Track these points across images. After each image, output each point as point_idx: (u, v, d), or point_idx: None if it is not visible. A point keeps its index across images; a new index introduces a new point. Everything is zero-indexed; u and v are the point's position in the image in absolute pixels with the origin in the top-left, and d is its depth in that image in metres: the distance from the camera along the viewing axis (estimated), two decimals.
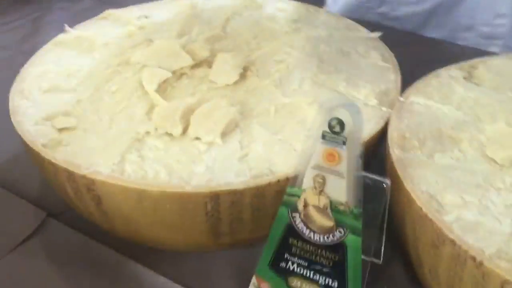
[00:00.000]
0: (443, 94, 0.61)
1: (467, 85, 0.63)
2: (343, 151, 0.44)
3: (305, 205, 0.47)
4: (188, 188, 0.49)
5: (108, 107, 0.59)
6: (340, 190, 0.45)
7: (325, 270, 0.47)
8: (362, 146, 0.45)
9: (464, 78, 0.65)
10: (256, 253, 0.51)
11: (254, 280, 0.50)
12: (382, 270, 0.54)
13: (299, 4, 0.81)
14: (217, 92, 0.61)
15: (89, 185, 0.51)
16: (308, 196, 0.47)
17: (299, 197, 0.47)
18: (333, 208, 0.46)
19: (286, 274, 0.49)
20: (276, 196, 0.51)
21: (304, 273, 0.48)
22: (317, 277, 0.48)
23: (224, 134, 0.55)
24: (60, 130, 0.56)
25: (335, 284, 0.47)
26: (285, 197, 0.48)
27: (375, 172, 0.47)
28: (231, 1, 0.82)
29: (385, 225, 0.50)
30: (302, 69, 0.64)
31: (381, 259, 0.52)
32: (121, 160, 0.52)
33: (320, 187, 0.46)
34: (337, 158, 0.45)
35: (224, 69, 0.63)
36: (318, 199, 0.46)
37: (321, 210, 0.46)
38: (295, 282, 0.49)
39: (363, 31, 0.74)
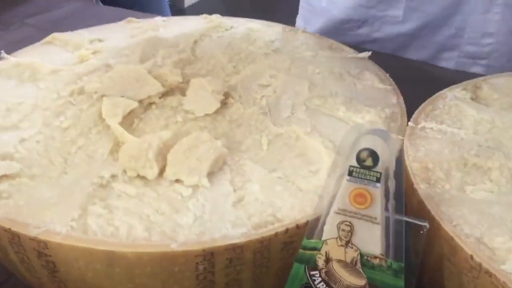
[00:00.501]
0: (454, 117, 0.54)
1: (476, 107, 0.56)
2: (377, 190, 0.35)
3: (327, 261, 0.37)
4: (174, 246, 0.38)
5: (61, 146, 0.48)
6: (374, 239, 0.36)
7: None
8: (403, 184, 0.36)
9: (472, 99, 0.58)
10: None
11: None
12: None
13: (272, 23, 0.73)
14: (196, 123, 0.51)
15: (41, 249, 0.39)
16: (331, 248, 0.37)
17: (318, 250, 0.37)
18: (365, 263, 0.36)
19: None
20: (283, 249, 0.40)
21: None
22: None
23: (211, 174, 0.45)
24: None
25: None
26: (300, 251, 0.37)
27: None
28: (195, 24, 0.72)
29: (415, 276, 0.41)
30: (292, 94, 0.55)
31: None
32: (82, 214, 0.41)
33: (347, 237, 0.36)
34: (368, 200, 0.35)
35: (202, 97, 0.53)
36: (345, 252, 0.36)
37: (348, 266, 0.36)
38: None
39: (350, 51, 0.66)
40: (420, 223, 0.37)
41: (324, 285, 0.37)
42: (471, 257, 0.37)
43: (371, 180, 0.35)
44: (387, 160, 0.35)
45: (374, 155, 0.34)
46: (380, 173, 0.34)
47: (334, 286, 0.37)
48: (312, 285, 0.37)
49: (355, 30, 0.88)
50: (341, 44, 0.68)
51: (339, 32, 0.88)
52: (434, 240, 0.41)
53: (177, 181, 0.44)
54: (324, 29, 0.90)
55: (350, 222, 0.36)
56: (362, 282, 0.36)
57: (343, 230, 0.36)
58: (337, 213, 0.36)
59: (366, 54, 0.64)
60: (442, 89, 0.59)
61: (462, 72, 0.84)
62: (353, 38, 0.90)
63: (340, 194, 0.36)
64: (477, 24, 0.80)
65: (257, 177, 0.45)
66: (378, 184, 0.35)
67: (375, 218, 0.35)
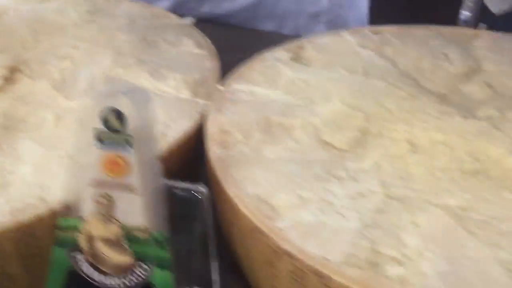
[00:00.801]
0: (270, 78, 0.52)
1: (296, 66, 0.54)
2: (131, 155, 0.31)
3: (90, 240, 0.33)
4: None
5: None
6: (135, 211, 0.32)
7: None
8: (163, 147, 0.32)
9: (292, 59, 0.56)
10: None
11: None
12: None
13: None
14: None
15: None
16: (92, 226, 0.32)
17: (79, 230, 0.33)
18: (129, 236, 0.32)
19: None
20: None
21: None
22: None
23: None
24: None
25: None
26: (58, 233, 0.33)
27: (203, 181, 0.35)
28: None
29: (214, 246, 0.38)
30: (92, 65, 0.50)
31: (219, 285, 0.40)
32: None
33: (107, 211, 0.32)
34: (123, 166, 0.31)
35: None
36: (107, 228, 0.32)
37: (112, 243, 0.32)
38: None
39: (174, 18, 0.62)
40: (193, 188, 0.34)
41: (90, 267, 0.33)
42: (248, 217, 0.34)
43: (122, 145, 0.31)
44: (140, 123, 0.31)
45: (120, 116, 0.30)
46: (130, 137, 0.31)
47: (101, 267, 0.33)
48: (77, 269, 0.33)
49: (198, 8, 0.86)
50: (167, 12, 0.64)
51: (184, 10, 0.86)
52: (222, 207, 0.38)
53: None
54: (170, 8, 0.87)
55: (108, 194, 0.32)
56: (128, 258, 0.32)
57: (102, 203, 0.32)
58: (92, 185, 0.32)
59: (189, 20, 0.61)
60: None
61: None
62: (197, 15, 0.88)
63: (91, 164, 0.31)
64: None
65: (32, 158, 0.40)
66: (131, 149, 0.31)
67: (134, 187, 0.32)
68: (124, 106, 0.31)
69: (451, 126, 0.44)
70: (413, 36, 0.61)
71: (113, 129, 0.31)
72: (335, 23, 0.85)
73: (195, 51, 0.55)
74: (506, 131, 0.45)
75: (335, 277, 0.29)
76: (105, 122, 0.31)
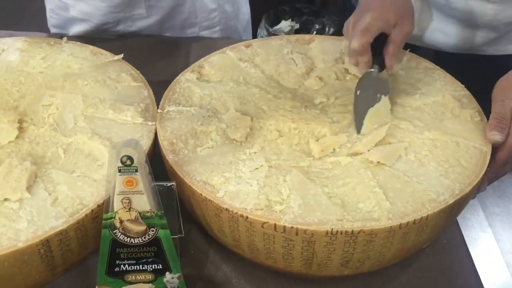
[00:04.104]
0: (187, 97, 0.80)
1: (201, 85, 0.83)
2: (137, 176, 0.60)
3: (121, 221, 0.61)
4: (20, 244, 0.59)
5: None
6: (143, 203, 0.61)
7: (149, 260, 0.64)
8: (149, 167, 0.61)
9: (197, 78, 0.84)
10: (89, 268, 0.64)
11: None
12: (186, 240, 0.73)
13: (36, 37, 0.89)
14: (3, 151, 0.69)
15: None
16: (121, 215, 0.61)
17: (114, 218, 0.61)
18: (142, 216, 0.61)
19: (121, 275, 0.64)
20: (93, 223, 0.64)
21: (136, 268, 0.64)
22: (145, 267, 0.64)
23: (29, 188, 0.64)
24: None
25: (160, 266, 0.64)
26: (104, 222, 0.61)
27: (156, 172, 0.64)
28: None
29: (179, 211, 0.68)
30: (71, 108, 0.75)
31: (183, 233, 0.71)
32: None
33: (128, 206, 0.61)
34: (134, 183, 0.60)
35: (1, 129, 0.70)
36: (130, 214, 0.61)
37: (134, 221, 0.62)
38: (130, 277, 0.64)
39: (107, 54, 0.87)
40: (168, 183, 0.64)
41: (123, 236, 0.62)
42: (201, 194, 0.65)
43: (132, 172, 0.59)
44: (139, 156, 0.59)
45: (130, 158, 0.58)
46: (136, 167, 0.59)
47: (129, 234, 0.62)
48: (116, 238, 0.62)
49: (113, 28, 1.08)
50: (99, 49, 0.88)
51: (100, 31, 1.07)
52: (183, 189, 0.68)
53: (6, 199, 0.63)
54: (86, 32, 1.08)
55: (128, 197, 0.60)
56: (144, 227, 0.62)
57: (125, 202, 0.60)
58: (119, 194, 0.60)
59: (119, 56, 0.86)
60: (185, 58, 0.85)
61: (200, 37, 1.13)
62: (113, 33, 1.10)
63: (117, 183, 0.60)
64: (202, 7, 1.08)
65: (62, 180, 0.66)
66: (137, 173, 0.59)
67: (141, 191, 0.60)
68: (130, 151, 0.59)
69: (299, 117, 0.77)
70: (272, 46, 0.92)
71: (127, 165, 0.59)
72: (227, 31, 1.14)
73: (133, 84, 0.81)
74: (329, 114, 0.79)
75: (251, 216, 0.62)
76: (122, 162, 0.59)
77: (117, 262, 0.63)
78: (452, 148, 0.71)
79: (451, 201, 0.63)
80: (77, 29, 1.10)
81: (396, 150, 0.70)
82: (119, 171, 0.59)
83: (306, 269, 0.66)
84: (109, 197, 0.61)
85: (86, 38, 1.01)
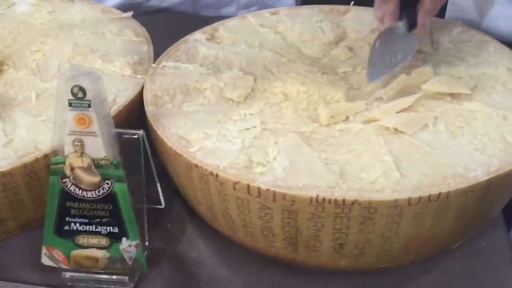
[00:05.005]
0: (190, 56, 0.71)
1: (209, 45, 0.73)
2: (91, 113, 0.50)
3: (72, 169, 0.52)
4: None
5: None
6: (98, 148, 0.51)
7: (104, 220, 0.53)
8: (115, 110, 0.52)
9: (207, 39, 0.75)
10: None
11: (44, 250, 0.55)
12: (165, 212, 0.63)
13: None
14: None
15: None
16: (72, 160, 0.52)
17: (64, 163, 0.52)
18: (96, 164, 0.52)
19: (72, 235, 0.54)
20: (48, 171, 0.55)
21: (88, 229, 0.54)
22: (99, 228, 0.54)
23: None
24: None
25: (116, 229, 0.54)
26: (52, 167, 0.52)
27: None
28: None
29: (154, 173, 0.58)
30: (58, 55, 0.68)
31: (163, 203, 0.60)
32: None
33: (80, 150, 0.52)
34: (87, 121, 0.51)
35: None
36: (82, 160, 0.52)
37: (86, 169, 0.52)
38: (82, 239, 0.54)
39: (117, 12, 0.80)
40: (133, 132, 0.54)
41: (74, 187, 0.53)
42: (171, 147, 0.54)
43: (85, 107, 0.50)
44: (95, 92, 0.50)
45: (82, 89, 0.49)
46: (89, 101, 0.50)
47: (81, 186, 0.53)
48: (66, 189, 0.53)
49: (146, 3, 1.03)
50: (112, 7, 0.82)
51: (133, 5, 1.02)
52: (157, 144, 0.58)
53: None
54: (119, 5, 1.03)
55: (80, 139, 0.51)
56: (98, 178, 0.52)
57: (77, 145, 0.51)
58: (70, 134, 0.51)
59: (128, 14, 0.79)
60: None
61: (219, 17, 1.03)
62: (147, 9, 1.04)
63: (68, 121, 0.51)
64: None
65: (25, 123, 0.59)
66: (90, 109, 0.50)
67: (95, 133, 0.51)
68: (84, 83, 0.50)
69: (311, 80, 0.65)
70: (300, 15, 0.81)
71: (78, 97, 0.50)
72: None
73: (133, 39, 0.73)
74: (350, 81, 0.66)
75: (221, 174, 0.50)
76: (73, 93, 0.50)
77: (67, 219, 0.54)
78: (497, 121, 0.55)
79: (483, 178, 0.48)
80: (111, 2, 1.05)
81: (421, 118, 0.56)
82: (70, 104, 0.50)
83: (292, 253, 0.53)
84: (59, 136, 0.52)
85: None
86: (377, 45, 0.64)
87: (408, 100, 0.58)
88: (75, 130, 0.51)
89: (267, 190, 0.48)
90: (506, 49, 0.68)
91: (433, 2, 0.62)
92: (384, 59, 0.63)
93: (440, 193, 0.47)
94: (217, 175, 0.50)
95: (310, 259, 0.53)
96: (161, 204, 0.61)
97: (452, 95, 0.60)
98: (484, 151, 0.52)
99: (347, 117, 0.59)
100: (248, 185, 0.49)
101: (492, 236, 0.58)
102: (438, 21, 0.76)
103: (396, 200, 0.46)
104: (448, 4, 0.88)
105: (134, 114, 0.63)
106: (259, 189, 0.48)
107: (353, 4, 0.83)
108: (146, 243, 0.58)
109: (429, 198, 0.46)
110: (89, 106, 0.50)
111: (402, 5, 0.62)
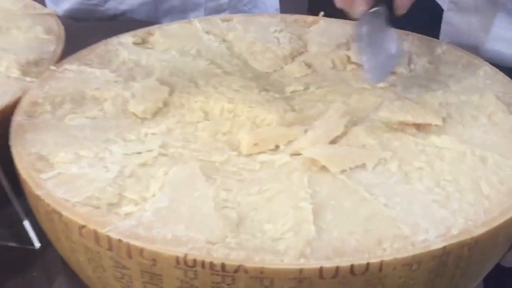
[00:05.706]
0: (105, 60, 0.57)
1: (134, 49, 0.60)
2: None
3: None
4: None
5: None
6: None
7: None
8: None
9: (135, 43, 0.61)
10: None
11: None
12: (38, 255, 0.48)
13: None
14: None
15: None
16: None
17: None
18: None
19: None
20: None
21: None
22: None
23: None
24: None
25: None
26: None
27: None
28: None
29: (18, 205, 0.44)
30: None
31: (35, 244, 0.46)
32: None
33: None
34: None
35: None
36: None
37: None
38: None
39: (39, 8, 0.68)
40: None
41: None
42: (20, 169, 0.40)
43: None
44: None
45: None
46: None
47: None
48: None
49: (102, 5, 0.91)
50: (35, 2, 0.70)
51: (89, 10, 0.91)
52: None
53: None
54: (74, 9, 0.92)
55: None
56: None
57: None
58: None
59: (50, 10, 0.67)
60: None
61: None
62: (104, 13, 0.93)
63: None
64: None
65: None
66: None
67: None
68: None
69: (243, 98, 0.50)
70: (257, 23, 0.67)
71: None
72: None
73: (42, 37, 0.60)
74: (294, 102, 0.51)
75: (65, 213, 0.35)
76: None
77: None
78: (471, 164, 0.40)
79: (437, 245, 0.32)
80: (66, 5, 0.94)
81: (357, 153, 0.41)
82: None
83: None
84: None
85: (74, 19, 0.87)
86: (364, 31, 0.49)
87: (338, 126, 0.44)
88: None
89: (119, 241, 0.33)
90: (499, 74, 0.53)
91: None
92: (379, 51, 0.49)
93: (368, 263, 0.31)
94: (61, 214, 0.36)
95: None
96: (32, 245, 0.46)
97: (418, 126, 0.44)
98: (446, 204, 0.36)
99: (277, 146, 0.45)
100: (94, 231, 0.34)
101: None
102: (420, 38, 0.62)
103: (300, 270, 0.31)
104: (442, 24, 0.74)
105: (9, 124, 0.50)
106: (108, 239, 0.33)
107: (324, 16, 0.69)
108: None
109: (351, 269, 0.31)
110: None
111: None
